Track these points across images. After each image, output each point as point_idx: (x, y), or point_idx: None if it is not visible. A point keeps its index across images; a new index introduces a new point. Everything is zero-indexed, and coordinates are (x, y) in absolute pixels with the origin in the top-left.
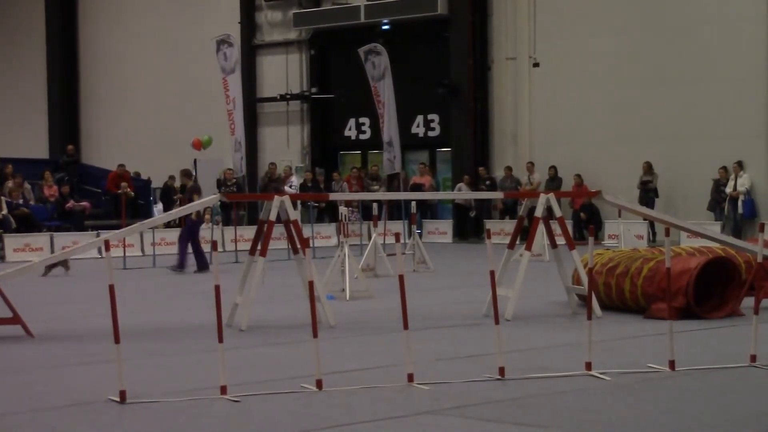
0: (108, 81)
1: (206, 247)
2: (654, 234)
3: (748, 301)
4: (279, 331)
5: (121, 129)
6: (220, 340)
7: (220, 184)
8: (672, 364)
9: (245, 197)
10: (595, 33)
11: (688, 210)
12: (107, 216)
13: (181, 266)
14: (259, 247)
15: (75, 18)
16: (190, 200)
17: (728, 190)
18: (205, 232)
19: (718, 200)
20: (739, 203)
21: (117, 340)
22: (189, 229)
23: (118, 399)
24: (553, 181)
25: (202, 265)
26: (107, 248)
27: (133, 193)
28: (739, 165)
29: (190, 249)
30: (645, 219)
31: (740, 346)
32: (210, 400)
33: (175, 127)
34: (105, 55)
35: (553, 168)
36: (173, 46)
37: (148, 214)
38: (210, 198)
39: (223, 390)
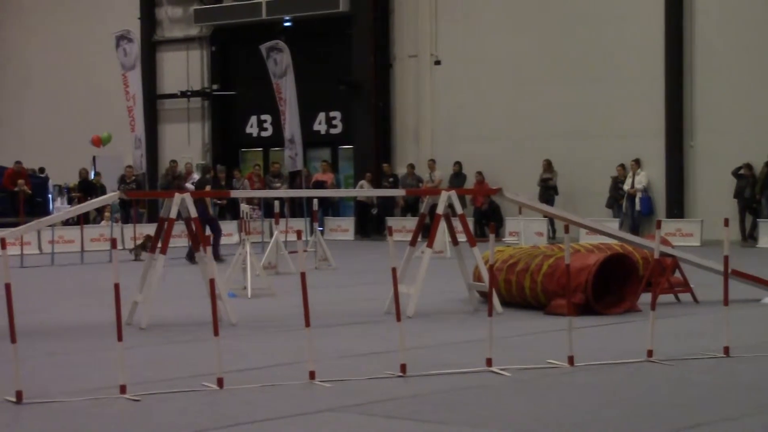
0: (5, 76)
1: (105, 245)
2: (554, 231)
3: (646, 297)
4: (179, 329)
5: (19, 125)
6: (120, 338)
7: (121, 181)
8: (571, 360)
9: (145, 195)
10: (496, 31)
11: (587, 207)
12: (3, 214)
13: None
14: (159, 245)
15: None
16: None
17: (626, 187)
18: (104, 229)
19: (616, 197)
20: (637, 200)
21: (13, 340)
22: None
23: (14, 399)
24: (458, 177)
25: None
26: (3, 246)
27: (30, 191)
28: (637, 163)
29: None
30: (545, 216)
31: (637, 341)
32: (109, 399)
33: (75, 124)
34: (2, 50)
35: (458, 164)
36: (72, 42)
37: (46, 211)
38: (109, 195)
39: (123, 389)
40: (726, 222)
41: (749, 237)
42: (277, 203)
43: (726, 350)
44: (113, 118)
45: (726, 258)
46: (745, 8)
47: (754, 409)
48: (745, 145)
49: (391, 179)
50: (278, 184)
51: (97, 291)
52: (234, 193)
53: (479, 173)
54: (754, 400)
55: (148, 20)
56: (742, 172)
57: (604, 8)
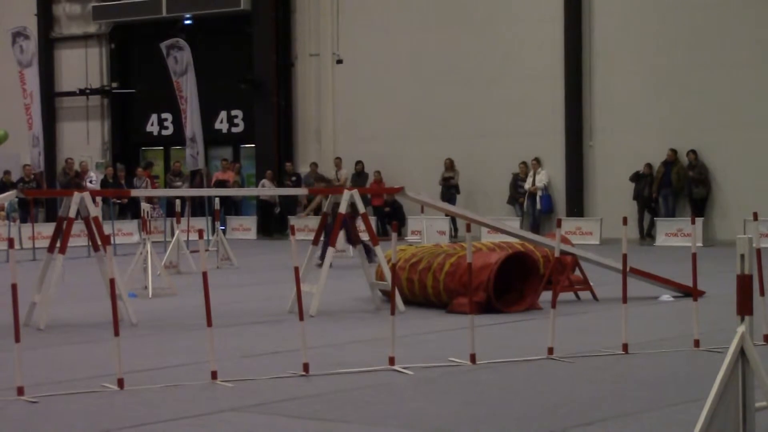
0: None
1: (2, 245)
2: (456, 230)
3: (546, 295)
4: (79, 329)
5: None
6: (17, 339)
7: (18, 180)
8: (473, 358)
9: (44, 193)
10: (398, 31)
11: (488, 206)
12: None
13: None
14: (58, 245)
15: None
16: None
17: (527, 186)
18: (1, 228)
19: (516, 196)
20: (537, 199)
21: None
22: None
23: None
24: (360, 177)
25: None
26: None
27: None
28: (537, 161)
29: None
30: (447, 215)
31: (538, 339)
32: (6, 401)
33: None
34: None
35: (360, 163)
36: None
37: None
38: (7, 194)
39: (20, 391)
40: (624, 221)
41: (647, 235)
42: (178, 202)
43: (625, 347)
44: (10, 115)
45: (624, 256)
46: (644, 11)
47: (652, 405)
48: (643, 146)
49: (293, 178)
50: (179, 183)
51: None
52: (134, 192)
53: (377, 172)
54: (651, 397)
55: (46, 17)
56: (641, 171)
57: (505, 8)
